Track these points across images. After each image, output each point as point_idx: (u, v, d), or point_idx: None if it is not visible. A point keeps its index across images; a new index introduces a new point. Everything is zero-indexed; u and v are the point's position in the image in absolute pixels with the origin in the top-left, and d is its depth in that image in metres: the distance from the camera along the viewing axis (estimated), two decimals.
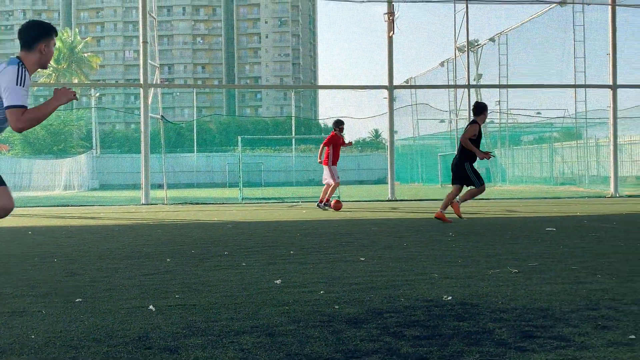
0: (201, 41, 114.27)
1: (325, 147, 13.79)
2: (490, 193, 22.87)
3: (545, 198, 18.75)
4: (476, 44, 29.45)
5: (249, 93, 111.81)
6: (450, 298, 3.99)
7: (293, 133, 50.03)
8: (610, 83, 19.20)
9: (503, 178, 32.84)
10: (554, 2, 20.35)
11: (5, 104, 4.17)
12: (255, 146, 51.84)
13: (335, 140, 13.86)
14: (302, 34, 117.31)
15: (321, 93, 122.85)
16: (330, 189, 13.84)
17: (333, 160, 13.80)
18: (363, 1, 18.47)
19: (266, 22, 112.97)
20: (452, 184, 10.37)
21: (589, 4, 20.72)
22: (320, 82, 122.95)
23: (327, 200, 13.89)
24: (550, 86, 23.21)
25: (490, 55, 30.49)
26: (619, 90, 19.21)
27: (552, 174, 31.57)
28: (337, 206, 13.62)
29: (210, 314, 3.64)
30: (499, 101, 31.81)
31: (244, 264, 5.65)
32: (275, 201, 19.15)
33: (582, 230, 8.61)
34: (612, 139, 19.46)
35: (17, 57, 4.37)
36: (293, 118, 56.48)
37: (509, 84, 27.79)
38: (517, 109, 30.72)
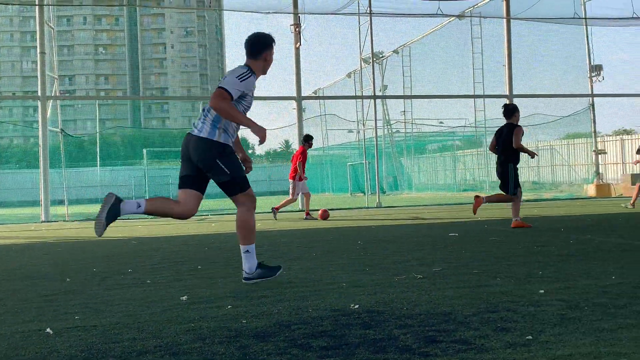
0: (103, 51, 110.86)
1: (299, 162, 13.96)
2: (397, 200, 23.44)
3: (449, 204, 19.39)
4: (381, 55, 30.14)
5: (155, 104, 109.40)
6: (357, 306, 4.03)
7: None
8: (507, 93, 20.14)
9: (409, 185, 33.71)
10: (453, 16, 21.15)
11: (218, 85, 4.92)
12: (162, 159, 50.68)
13: (305, 155, 14.22)
14: (209, 45, 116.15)
15: None
16: (286, 202, 14.19)
17: (301, 175, 14.03)
18: (269, 12, 18.51)
19: (172, 32, 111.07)
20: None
21: (485, 17, 21.67)
22: None
23: (307, 213, 14.21)
24: (452, 96, 24.09)
25: (394, 67, 31.32)
26: (515, 100, 20.18)
27: (456, 181, 32.73)
28: (324, 215, 13.95)
29: (112, 334, 3.50)
30: (404, 111, 32.73)
31: (148, 281, 5.48)
32: None
33: (484, 234, 8.95)
34: None
35: (246, 64, 5.12)
36: None
37: (412, 94, 28.64)
38: (421, 119, 31.72)
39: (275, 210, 14.19)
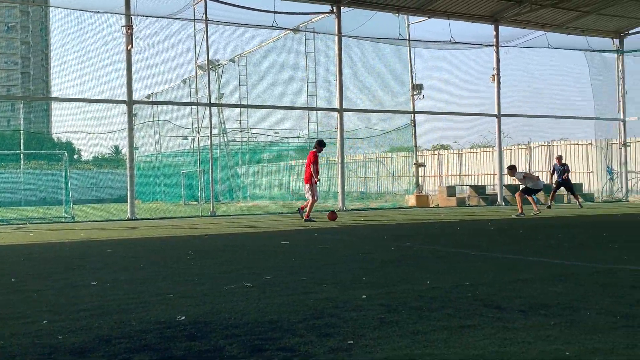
0: None
1: (313, 166, 14.63)
2: (232, 209, 23.38)
3: (283, 213, 19.69)
4: (217, 63, 29.96)
5: None
6: (183, 318, 3.94)
7: (22, 148, 45.76)
8: (338, 107, 20.93)
9: (244, 194, 33.78)
10: (288, 29, 21.61)
11: None
12: None
13: (316, 158, 14.89)
14: (33, 42, 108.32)
15: (55, 106, 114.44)
16: (309, 205, 14.73)
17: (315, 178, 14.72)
18: (99, 12, 17.68)
19: None
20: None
21: (318, 33, 22.39)
22: (54, 93, 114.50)
23: (307, 216, 14.59)
24: (287, 107, 24.56)
25: (231, 75, 31.27)
26: (344, 114, 21.03)
27: (289, 190, 33.34)
28: (333, 217, 14.63)
29: None
30: (240, 120, 32.75)
31: None
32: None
33: (313, 242, 9.19)
34: (339, 157, 21.19)
35: None
36: (22, 132, 51.65)
37: (248, 104, 28.78)
38: (257, 128, 31.94)
39: (307, 219, 14.54)
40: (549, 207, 19.82)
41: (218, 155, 31.26)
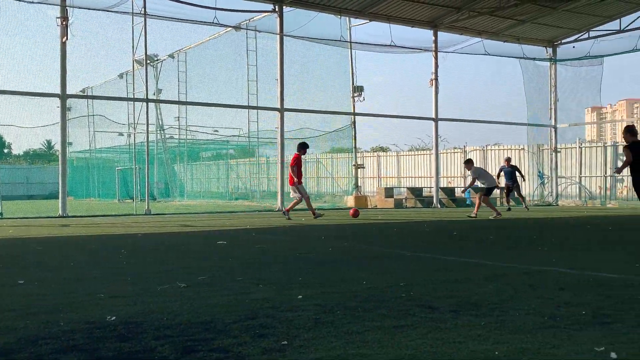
0: None
1: (295, 168, 15.01)
2: (168, 208, 22.99)
3: (220, 212, 19.51)
4: (156, 58, 29.42)
5: None
6: (114, 318, 3.84)
7: None
8: (279, 106, 20.89)
9: (181, 193, 33.29)
10: (229, 26, 21.41)
11: None
12: None
13: (300, 160, 15.28)
14: None
15: None
16: (300, 202, 15.47)
17: (299, 179, 15.19)
18: (33, 2, 17.07)
19: None
20: None
21: (260, 32, 22.28)
22: None
23: (314, 213, 15.36)
24: (227, 106, 24.30)
25: (170, 71, 30.77)
26: (285, 114, 20.99)
27: (228, 189, 33.05)
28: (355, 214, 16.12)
29: None
30: (178, 117, 32.27)
31: None
32: None
33: (251, 242, 9.14)
34: (279, 157, 21.14)
35: None
36: None
37: (187, 100, 28.38)
38: (196, 126, 31.54)
39: (316, 214, 15.28)
40: (509, 209, 20.31)
41: (155, 152, 30.70)
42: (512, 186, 21.19)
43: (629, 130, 12.05)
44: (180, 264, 6.58)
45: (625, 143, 12.16)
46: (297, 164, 15.21)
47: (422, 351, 3.09)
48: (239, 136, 30.81)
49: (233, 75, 26.51)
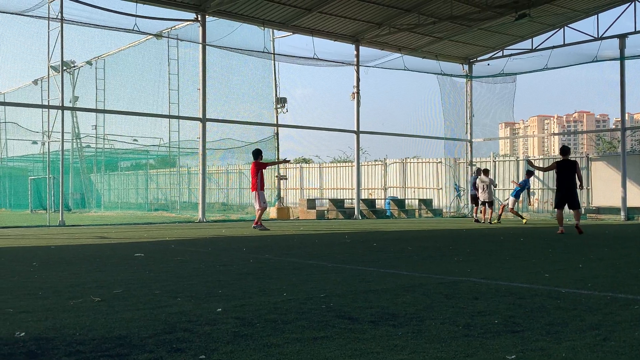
0: None
1: (257, 176, 15.21)
2: (84, 219, 22.23)
3: (139, 224, 19.03)
4: (72, 65, 28.49)
5: None
6: (23, 334, 3.67)
7: None
8: (201, 116, 20.64)
9: (98, 204, 32.26)
10: (150, 34, 21.02)
11: None
12: None
13: (260, 167, 15.39)
14: None
15: None
16: (258, 213, 15.40)
17: (261, 185, 15.37)
18: None
19: None
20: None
21: (182, 40, 21.98)
22: None
23: (258, 223, 15.32)
24: (147, 114, 23.77)
25: (87, 78, 29.83)
26: (207, 124, 20.77)
27: (147, 200, 32.30)
28: None
29: None
30: (96, 126, 31.30)
31: None
32: None
33: (169, 254, 8.95)
34: (201, 167, 20.87)
35: None
36: None
37: (105, 109, 27.58)
38: (114, 135, 30.66)
39: (259, 227, 15.25)
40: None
41: (70, 161, 29.65)
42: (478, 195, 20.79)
43: (562, 150, 14.60)
44: (95, 277, 6.36)
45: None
46: (257, 172, 15.36)
47: None
48: (159, 146, 30.20)
49: (154, 83, 25.99)
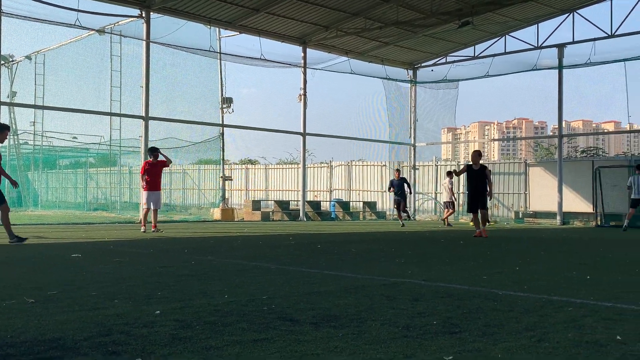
0: None
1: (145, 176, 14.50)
2: (20, 218, 21.49)
3: (77, 224, 18.54)
4: (11, 59, 27.57)
5: None
6: None
7: None
8: (143, 114, 20.27)
9: (35, 202, 31.27)
10: (92, 29, 20.51)
11: None
12: None
13: (147, 166, 14.58)
14: None
15: None
16: (151, 214, 14.61)
17: (148, 186, 14.50)
18: None
19: None
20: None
21: (125, 37, 21.54)
22: None
23: (143, 223, 14.63)
24: (87, 112, 23.17)
25: (26, 73, 28.88)
26: (150, 122, 20.42)
27: (86, 200, 31.51)
28: None
29: None
30: (34, 122, 30.35)
31: None
32: None
33: (108, 255, 8.75)
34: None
35: None
36: None
37: (45, 105, 26.76)
38: (53, 132, 29.78)
39: (144, 227, 14.54)
40: (403, 225, 20.13)
41: (7, 159, 28.64)
42: (401, 200, 20.59)
43: (475, 153, 14.82)
44: (29, 278, 6.15)
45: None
46: (147, 170, 14.68)
47: None
48: (100, 144, 29.51)
49: (96, 80, 25.36)
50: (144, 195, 14.89)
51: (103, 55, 24.19)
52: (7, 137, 11.29)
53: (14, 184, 11.04)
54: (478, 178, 14.40)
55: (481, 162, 14.86)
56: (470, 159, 15.27)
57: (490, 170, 15.09)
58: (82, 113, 23.14)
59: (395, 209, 21.46)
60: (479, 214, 14.63)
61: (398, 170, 21.54)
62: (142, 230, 14.53)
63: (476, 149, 15.66)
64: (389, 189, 21.14)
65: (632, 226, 19.35)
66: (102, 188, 32.23)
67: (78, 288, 5.50)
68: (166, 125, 21.82)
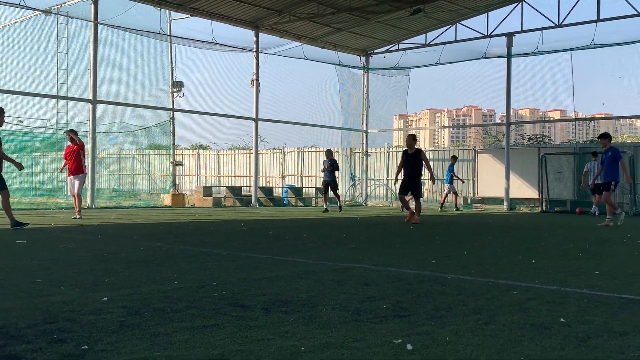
0: None
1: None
2: None
3: (22, 209, 18.02)
4: None
5: None
6: None
7: None
8: (91, 97, 19.80)
9: None
10: (38, 10, 19.86)
11: None
12: None
13: (69, 150, 14.10)
14: None
15: None
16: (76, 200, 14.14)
17: (70, 170, 14.06)
18: None
19: None
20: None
21: (72, 18, 20.93)
22: None
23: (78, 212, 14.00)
24: (33, 94, 22.48)
25: None
26: (98, 106, 19.96)
27: (32, 185, 30.68)
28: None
29: None
30: None
31: None
32: None
33: (54, 242, 8.54)
34: (91, 152, 20.02)
35: None
36: None
37: None
38: None
39: (78, 215, 13.87)
40: (326, 210, 19.83)
41: None
42: (330, 182, 19.87)
43: (410, 137, 14.89)
44: None
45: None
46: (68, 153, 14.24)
47: (229, 350, 3.08)
48: (46, 127, 28.66)
49: (41, 62, 24.57)
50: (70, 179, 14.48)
51: (49, 37, 23.46)
52: (4, 119, 11.20)
53: (19, 166, 10.86)
54: (413, 163, 14.36)
55: (417, 146, 14.65)
56: (405, 144, 15.19)
57: (425, 154, 14.92)
58: (28, 96, 22.45)
59: (323, 192, 20.51)
60: (413, 204, 14.74)
61: (329, 151, 20.62)
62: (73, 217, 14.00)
63: (410, 133, 15.41)
64: (322, 170, 20.20)
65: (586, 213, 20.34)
66: (48, 173, 31.39)
67: (23, 275, 5.36)
68: (115, 109, 21.36)
